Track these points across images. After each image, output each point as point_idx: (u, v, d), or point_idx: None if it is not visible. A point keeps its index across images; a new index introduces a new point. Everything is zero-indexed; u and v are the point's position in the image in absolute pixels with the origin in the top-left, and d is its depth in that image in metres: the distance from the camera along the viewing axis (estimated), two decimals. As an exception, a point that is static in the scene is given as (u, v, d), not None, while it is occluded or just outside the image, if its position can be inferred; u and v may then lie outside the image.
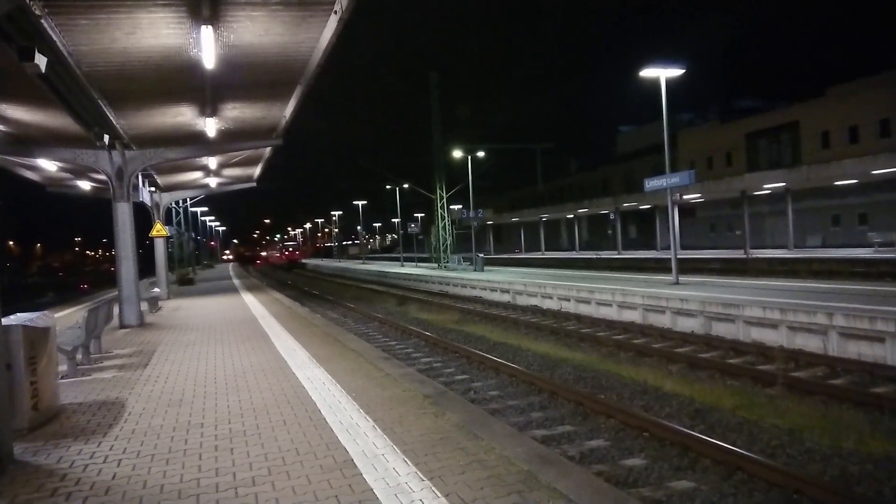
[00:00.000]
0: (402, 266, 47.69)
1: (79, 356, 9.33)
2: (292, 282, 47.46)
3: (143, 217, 19.65)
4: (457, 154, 38.10)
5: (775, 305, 12.25)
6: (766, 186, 31.71)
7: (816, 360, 10.38)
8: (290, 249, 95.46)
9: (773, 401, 8.25)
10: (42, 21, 8.19)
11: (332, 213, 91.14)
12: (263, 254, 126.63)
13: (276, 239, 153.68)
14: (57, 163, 17.65)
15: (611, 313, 16.88)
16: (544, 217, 52.77)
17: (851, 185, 32.74)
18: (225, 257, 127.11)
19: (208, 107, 13.53)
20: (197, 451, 5.22)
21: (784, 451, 6.44)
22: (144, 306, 16.88)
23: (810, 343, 11.26)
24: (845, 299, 12.56)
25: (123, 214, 14.81)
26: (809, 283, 16.83)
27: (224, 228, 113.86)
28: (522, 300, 21.85)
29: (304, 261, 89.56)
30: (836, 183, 31.26)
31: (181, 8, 8.38)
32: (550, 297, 20.20)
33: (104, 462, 5.07)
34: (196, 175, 26.09)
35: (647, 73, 18.37)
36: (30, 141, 14.99)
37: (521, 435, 5.70)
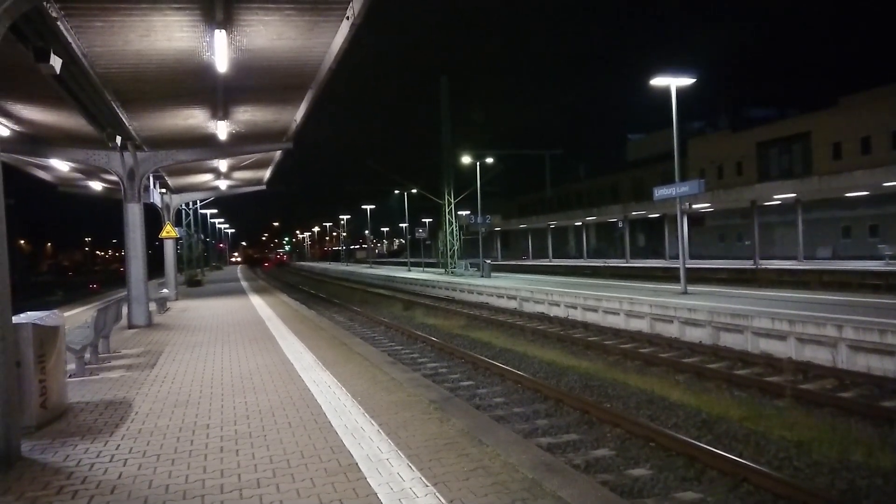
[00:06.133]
0: (409, 271, 47.71)
1: (87, 355, 9.38)
2: (300, 285, 47.59)
3: (153, 218, 19.78)
4: (465, 159, 38.12)
5: (784, 317, 12.17)
6: (776, 196, 31.49)
7: (825, 373, 10.31)
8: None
9: (781, 413, 8.19)
10: (58, 22, 8.27)
11: (341, 216, 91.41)
12: (272, 256, 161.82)
13: (284, 242, 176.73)
14: (69, 163, 17.79)
15: (618, 322, 16.81)
16: (552, 224, 52.65)
17: (863, 197, 32.47)
18: (233, 259, 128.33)
19: (220, 110, 13.62)
20: (203, 452, 5.24)
21: (791, 463, 6.39)
22: (153, 307, 16.97)
23: (819, 355, 11.18)
24: (855, 312, 12.46)
25: (134, 215, 14.91)
26: (819, 295, 16.71)
27: (233, 231, 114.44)
28: (529, 307, 21.81)
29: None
30: (848, 194, 31.03)
31: (195, 11, 8.45)
32: (557, 305, 20.15)
33: (110, 461, 5.10)
34: (206, 177, 26.24)
35: (658, 81, 18.33)
36: (43, 141, 15.13)
37: (527, 442, 5.68)
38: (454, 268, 39.47)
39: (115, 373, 9.06)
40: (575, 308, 19.11)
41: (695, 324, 14.17)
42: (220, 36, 8.74)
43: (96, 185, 24.73)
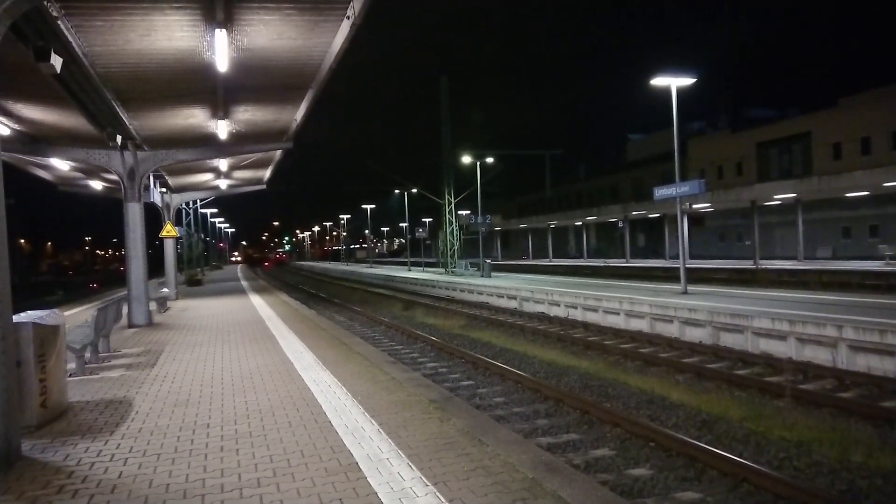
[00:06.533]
0: (410, 270, 47.70)
1: (87, 355, 9.39)
2: (300, 284, 47.61)
3: (153, 217, 19.78)
4: (466, 159, 38.13)
5: (784, 317, 12.17)
6: (776, 197, 31.49)
7: (825, 373, 10.31)
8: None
9: (781, 413, 8.19)
10: (58, 22, 8.27)
11: (341, 216, 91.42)
12: (272, 256, 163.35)
13: (284, 242, 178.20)
14: (69, 162, 17.80)
15: (618, 322, 16.81)
16: (552, 224, 52.65)
17: (863, 197, 32.49)
18: (233, 259, 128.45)
19: (220, 109, 13.61)
20: (203, 452, 5.24)
21: (791, 463, 6.39)
22: (153, 306, 16.97)
23: (819, 355, 11.18)
24: (855, 312, 12.46)
25: (134, 215, 14.91)
26: (819, 295, 16.71)
27: (233, 230, 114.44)
28: (529, 307, 21.81)
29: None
30: (848, 194, 31.04)
31: (195, 11, 8.45)
32: (557, 305, 20.15)
33: (111, 460, 5.10)
34: (207, 177, 26.24)
35: (658, 81, 18.32)
36: (43, 140, 15.13)
37: (527, 442, 5.68)
38: (454, 267, 39.46)
39: (116, 372, 9.06)
40: (575, 308, 19.11)
41: (695, 324, 14.17)
42: (221, 35, 8.75)
43: (96, 185, 24.73)
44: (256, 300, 22.34)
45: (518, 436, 5.95)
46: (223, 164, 22.23)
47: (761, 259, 31.16)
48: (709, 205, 36.10)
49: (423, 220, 72.35)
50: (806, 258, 32.36)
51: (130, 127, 14.27)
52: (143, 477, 4.69)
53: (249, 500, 4.21)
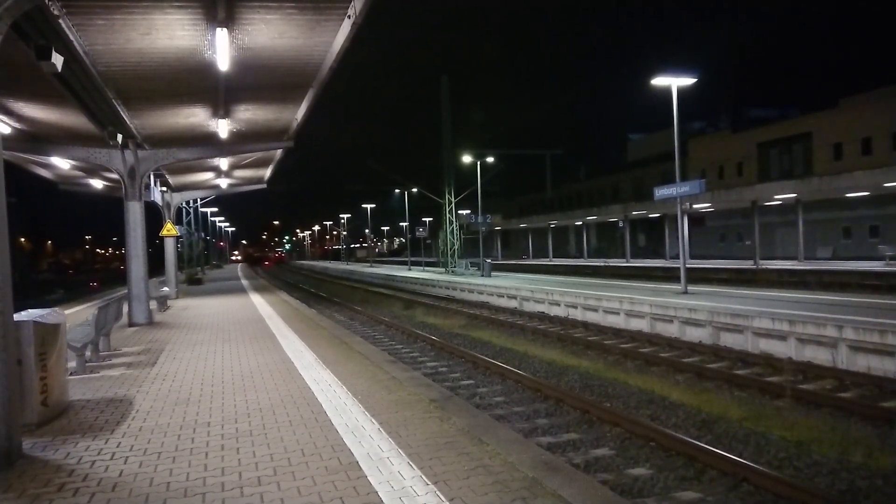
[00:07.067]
0: (410, 270, 47.71)
1: (88, 353, 9.40)
2: (300, 283, 47.63)
3: (153, 216, 19.78)
4: (466, 159, 38.14)
5: (784, 317, 12.17)
6: (776, 197, 31.49)
7: (825, 373, 10.32)
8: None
9: (781, 413, 8.20)
10: (59, 21, 8.28)
11: (341, 215, 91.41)
12: (272, 255, 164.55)
13: (284, 241, 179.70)
14: (70, 161, 17.80)
15: (618, 321, 16.81)
16: (553, 223, 52.65)
17: (863, 197, 32.49)
18: (234, 258, 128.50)
19: (221, 108, 13.62)
20: (203, 450, 5.24)
21: (791, 463, 6.39)
22: (153, 305, 16.98)
23: (819, 355, 11.18)
24: (855, 312, 12.46)
25: (134, 213, 14.92)
26: (819, 295, 16.71)
27: (233, 229, 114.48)
28: (529, 306, 21.81)
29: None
30: (848, 195, 31.04)
31: (196, 10, 8.46)
32: (558, 304, 20.15)
33: (111, 459, 5.10)
34: (207, 176, 26.25)
35: (659, 81, 18.32)
36: (44, 139, 15.14)
37: (527, 441, 5.68)
38: (454, 267, 39.46)
39: (116, 371, 9.07)
40: (575, 307, 19.11)
41: (695, 324, 14.17)
42: (222, 34, 8.75)
43: (97, 184, 24.75)
44: (257, 299, 22.35)
45: (518, 435, 5.95)
46: (224, 163, 22.24)
47: (762, 259, 31.15)
48: (709, 205, 36.11)
49: (424, 219, 72.33)
50: (806, 258, 32.36)
51: (131, 126, 14.28)
52: (144, 475, 4.70)
53: (250, 498, 4.22)
